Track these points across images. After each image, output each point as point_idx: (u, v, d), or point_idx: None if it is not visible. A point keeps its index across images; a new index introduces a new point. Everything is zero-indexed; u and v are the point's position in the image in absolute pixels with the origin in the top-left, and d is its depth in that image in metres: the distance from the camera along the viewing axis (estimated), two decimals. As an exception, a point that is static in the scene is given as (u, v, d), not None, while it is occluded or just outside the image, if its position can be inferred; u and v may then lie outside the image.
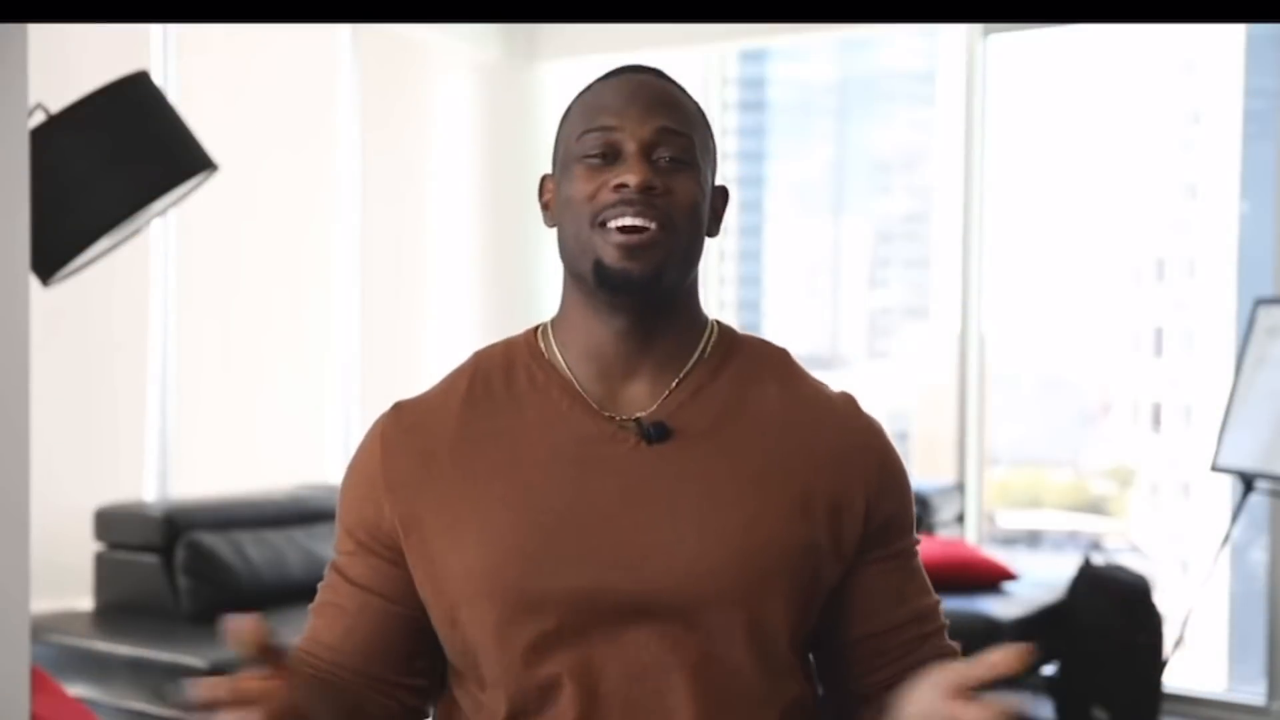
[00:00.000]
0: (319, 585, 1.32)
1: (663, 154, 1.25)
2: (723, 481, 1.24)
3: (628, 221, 1.22)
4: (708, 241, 1.31)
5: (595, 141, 1.25)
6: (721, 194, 1.34)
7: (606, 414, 1.27)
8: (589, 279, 1.25)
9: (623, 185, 1.22)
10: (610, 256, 1.22)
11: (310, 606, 1.32)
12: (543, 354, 1.31)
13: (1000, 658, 1.06)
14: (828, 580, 1.27)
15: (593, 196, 1.24)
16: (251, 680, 1.06)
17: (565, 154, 1.29)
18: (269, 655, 1.07)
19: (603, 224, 1.23)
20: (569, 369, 1.29)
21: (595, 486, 1.23)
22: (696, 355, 1.30)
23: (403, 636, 1.28)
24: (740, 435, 1.26)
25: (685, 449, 1.25)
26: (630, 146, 1.24)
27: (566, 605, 1.20)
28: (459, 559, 1.22)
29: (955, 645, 1.34)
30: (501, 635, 1.21)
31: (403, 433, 1.29)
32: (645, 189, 1.22)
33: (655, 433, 1.25)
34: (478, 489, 1.24)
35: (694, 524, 1.22)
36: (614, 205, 1.23)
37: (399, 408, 1.32)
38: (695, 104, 1.32)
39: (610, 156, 1.25)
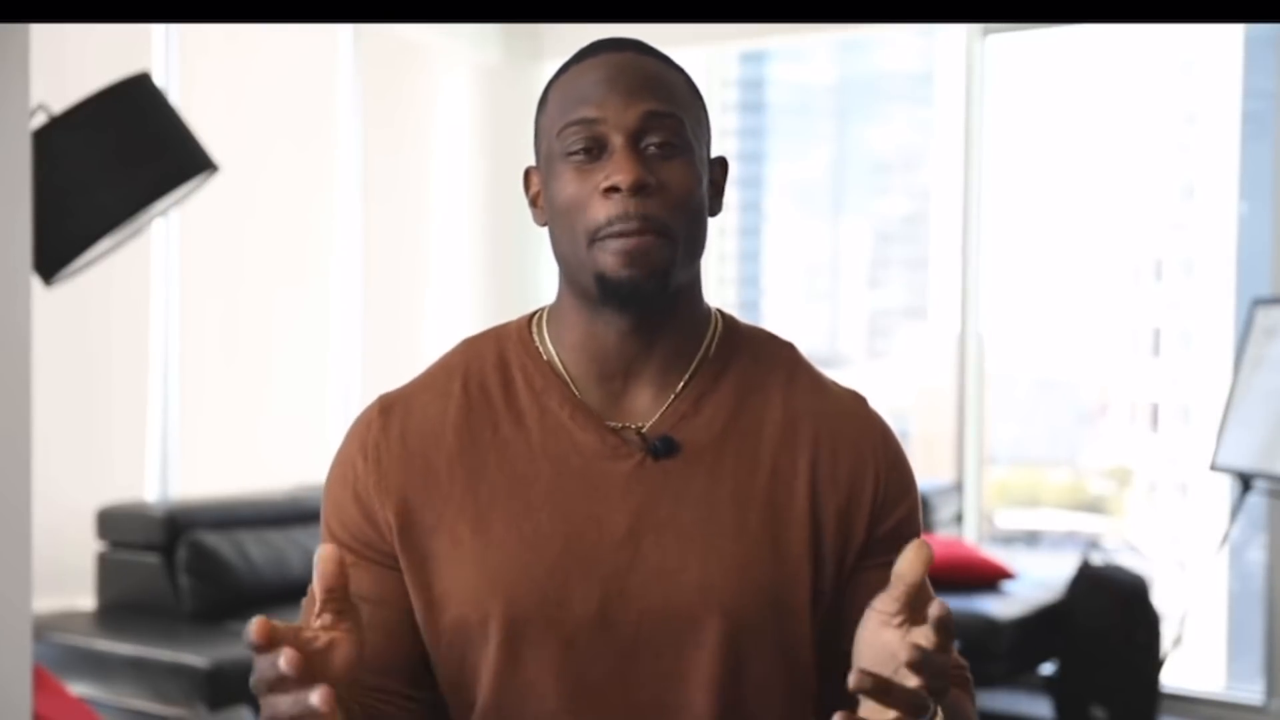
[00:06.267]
0: (306, 602, 1.20)
1: (652, 140, 1.16)
2: (726, 503, 1.18)
3: (624, 243, 1.14)
4: (710, 224, 1.24)
5: (577, 136, 1.16)
6: (720, 165, 1.26)
7: (609, 423, 1.20)
8: (592, 292, 1.18)
9: (613, 189, 1.14)
10: (611, 266, 1.15)
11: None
12: (539, 353, 1.24)
13: (906, 564, 1.00)
14: (836, 591, 1.22)
15: (584, 205, 1.16)
16: (317, 632, 1.00)
17: (548, 150, 1.20)
18: (339, 598, 1.01)
19: (600, 239, 1.16)
20: (567, 371, 1.22)
21: (598, 509, 1.17)
22: (700, 355, 1.23)
23: (414, 643, 1.20)
24: (743, 449, 1.20)
25: (689, 466, 1.18)
26: (616, 139, 1.15)
27: (568, 637, 1.15)
28: (458, 584, 1.17)
29: (961, 661, 1.23)
30: (499, 664, 1.16)
31: (395, 440, 1.21)
32: (638, 188, 1.14)
33: (662, 448, 1.18)
34: (479, 510, 1.18)
35: (697, 550, 1.16)
36: (608, 223, 1.14)
37: (387, 411, 1.23)
38: (682, 75, 1.22)
39: (595, 151, 1.16)
